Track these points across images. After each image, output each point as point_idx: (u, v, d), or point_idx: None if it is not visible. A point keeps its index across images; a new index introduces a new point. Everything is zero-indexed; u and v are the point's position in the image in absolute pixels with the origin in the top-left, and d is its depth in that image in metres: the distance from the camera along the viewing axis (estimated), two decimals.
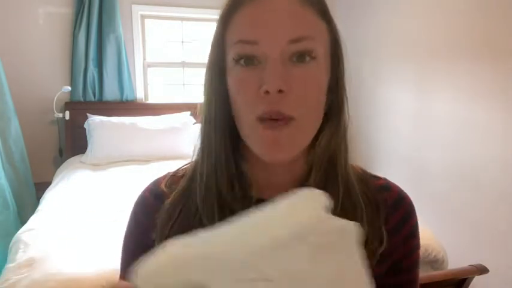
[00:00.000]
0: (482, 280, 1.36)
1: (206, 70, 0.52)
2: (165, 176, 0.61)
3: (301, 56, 0.47)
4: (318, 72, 0.49)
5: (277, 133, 0.47)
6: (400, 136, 2.74)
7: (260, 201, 0.50)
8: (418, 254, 0.60)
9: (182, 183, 0.57)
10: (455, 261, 1.81)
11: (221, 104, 0.51)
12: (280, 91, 0.45)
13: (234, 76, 0.49)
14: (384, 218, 0.54)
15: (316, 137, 0.52)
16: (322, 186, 0.50)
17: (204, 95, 0.53)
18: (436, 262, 1.79)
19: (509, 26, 1.91)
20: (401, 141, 2.74)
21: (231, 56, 0.49)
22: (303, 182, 0.53)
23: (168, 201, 0.56)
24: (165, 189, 0.58)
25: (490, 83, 2.03)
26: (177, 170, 0.61)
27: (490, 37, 2.02)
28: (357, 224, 0.39)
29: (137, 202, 0.61)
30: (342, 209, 0.51)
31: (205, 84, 0.53)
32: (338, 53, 0.53)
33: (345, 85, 0.54)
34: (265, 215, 0.39)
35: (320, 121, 0.52)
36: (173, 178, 0.60)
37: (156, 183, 0.61)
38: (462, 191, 2.21)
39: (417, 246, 0.59)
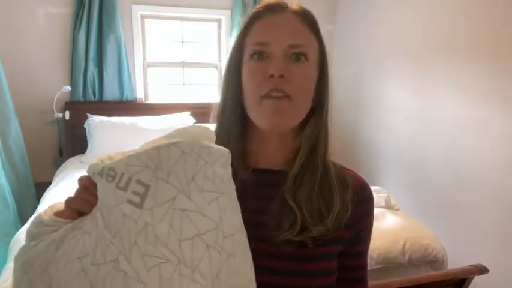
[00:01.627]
0: (482, 280, 1.36)
1: (226, 65, 0.70)
2: None
3: (298, 57, 0.65)
4: (309, 71, 0.67)
5: (278, 104, 0.63)
6: (400, 136, 2.74)
7: (256, 169, 0.70)
8: (367, 245, 0.76)
9: None
10: (455, 261, 1.82)
11: (235, 89, 0.68)
12: (281, 76, 0.62)
13: (248, 67, 0.66)
14: (350, 196, 0.69)
15: (303, 128, 0.69)
16: (306, 163, 0.68)
17: (223, 82, 0.71)
18: (436, 262, 1.79)
19: (510, 26, 1.91)
20: (401, 141, 2.74)
21: (248, 53, 0.67)
22: (289, 159, 0.70)
23: None
24: None
25: (490, 83, 2.03)
26: None
27: (491, 37, 2.02)
28: (227, 150, 0.56)
29: None
30: (321, 184, 0.67)
31: (224, 74, 0.71)
32: (325, 64, 0.70)
33: (328, 89, 0.70)
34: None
35: (308, 108, 0.68)
36: None
37: None
38: (462, 191, 2.21)
39: (368, 236, 0.75)
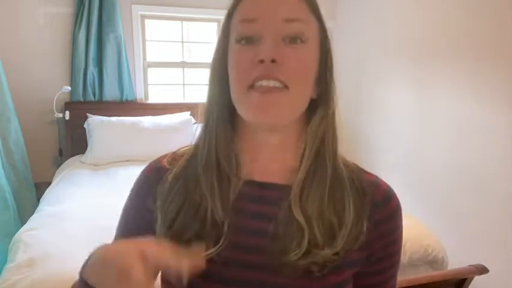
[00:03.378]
0: (482, 280, 1.36)
1: (212, 56, 0.59)
2: (165, 155, 0.65)
3: (293, 39, 0.53)
4: (307, 54, 0.55)
5: (269, 94, 0.52)
6: (401, 136, 2.74)
7: (250, 182, 0.58)
8: (397, 260, 0.62)
9: (184, 158, 0.62)
10: (455, 261, 1.81)
11: (222, 82, 0.57)
12: (273, 60, 0.51)
13: (234, 53, 0.55)
14: (368, 210, 0.57)
15: (306, 125, 0.59)
16: (313, 167, 0.57)
17: (209, 76, 0.60)
18: (436, 262, 1.79)
19: (511, 26, 1.91)
20: (402, 141, 2.74)
21: (233, 36, 0.55)
22: (291, 169, 0.58)
23: (170, 175, 0.60)
24: (166, 165, 0.62)
25: (492, 83, 2.03)
26: (178, 149, 0.66)
27: (492, 37, 2.02)
28: None
29: (139, 177, 0.66)
30: (331, 191, 0.56)
31: (210, 67, 0.60)
32: (327, 47, 0.58)
33: (333, 77, 0.59)
34: None
35: (308, 98, 0.57)
36: (174, 156, 0.64)
37: (157, 161, 0.65)
38: (463, 191, 2.21)
39: (397, 251, 0.62)
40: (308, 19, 0.55)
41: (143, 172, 0.66)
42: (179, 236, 0.55)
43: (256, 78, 0.52)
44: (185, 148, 0.65)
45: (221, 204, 0.56)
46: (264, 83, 0.52)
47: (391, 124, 2.84)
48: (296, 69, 0.53)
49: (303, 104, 0.57)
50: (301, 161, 0.58)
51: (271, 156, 0.59)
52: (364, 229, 0.55)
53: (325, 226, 0.54)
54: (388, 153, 2.86)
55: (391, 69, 2.83)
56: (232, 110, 0.58)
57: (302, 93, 0.55)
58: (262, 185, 0.58)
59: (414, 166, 2.61)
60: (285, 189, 0.57)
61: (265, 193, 0.58)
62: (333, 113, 0.59)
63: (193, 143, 0.63)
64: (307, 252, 0.52)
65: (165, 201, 0.59)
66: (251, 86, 0.53)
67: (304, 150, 0.58)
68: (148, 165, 0.67)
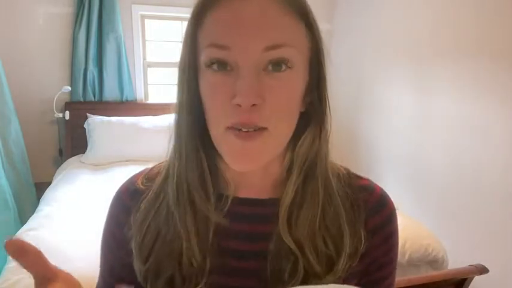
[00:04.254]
0: (482, 280, 1.36)
1: (178, 69, 0.50)
2: (141, 173, 0.60)
3: (277, 65, 0.45)
4: (294, 82, 0.47)
5: (248, 144, 0.45)
6: (401, 136, 2.74)
7: (236, 199, 0.52)
8: (393, 267, 0.59)
9: (157, 181, 0.56)
10: (455, 261, 1.81)
11: (192, 105, 0.49)
12: (253, 105, 0.44)
13: (206, 80, 0.47)
14: (363, 219, 0.54)
15: (294, 139, 0.51)
16: (302, 187, 0.51)
17: (177, 93, 0.51)
18: (436, 262, 1.79)
19: (511, 26, 1.91)
20: (401, 141, 2.74)
21: (203, 58, 0.46)
22: (280, 183, 0.53)
23: (143, 202, 0.55)
24: (141, 186, 0.57)
25: (492, 84, 2.03)
26: (153, 166, 0.60)
27: (492, 37, 2.02)
28: None
29: (114, 202, 0.60)
30: (323, 210, 0.51)
31: (178, 84, 0.50)
32: (319, 57, 0.50)
33: (326, 88, 0.51)
34: None
35: (293, 127, 0.50)
36: (149, 174, 0.59)
37: (132, 182, 0.59)
38: (463, 191, 2.21)
39: (393, 257, 0.58)
40: (294, 36, 0.46)
41: (119, 197, 0.59)
42: (156, 275, 0.51)
43: (234, 123, 0.45)
44: (160, 164, 0.59)
45: (198, 245, 0.50)
46: (244, 129, 0.45)
47: (391, 124, 2.84)
48: (280, 105, 0.46)
49: (286, 139, 0.50)
50: (288, 176, 0.52)
51: (256, 172, 0.52)
52: (363, 240, 0.52)
53: (320, 252, 0.50)
54: (388, 153, 2.86)
55: (390, 69, 2.83)
56: (204, 127, 0.50)
57: (288, 126, 0.49)
58: (248, 202, 0.53)
59: (414, 166, 2.61)
60: (273, 204, 0.52)
61: (252, 210, 0.53)
62: (326, 131, 0.52)
63: (162, 172, 0.56)
64: (305, 281, 0.48)
65: (139, 234, 0.53)
66: (229, 127, 0.46)
67: (291, 164, 0.52)
68: (123, 186, 0.60)
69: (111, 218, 0.59)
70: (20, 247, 0.39)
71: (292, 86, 0.47)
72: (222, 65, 0.45)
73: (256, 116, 0.44)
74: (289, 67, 0.45)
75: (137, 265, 0.53)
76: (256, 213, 0.53)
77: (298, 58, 0.46)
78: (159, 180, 0.55)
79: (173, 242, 0.51)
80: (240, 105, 0.43)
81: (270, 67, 0.45)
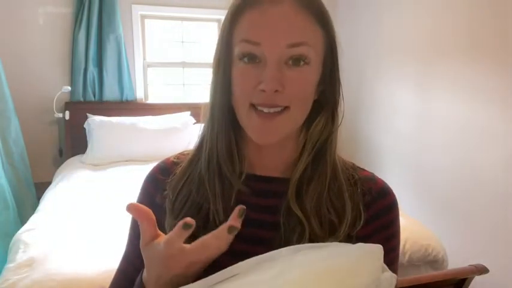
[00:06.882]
0: (482, 280, 1.36)
1: (213, 60, 0.60)
2: (171, 156, 0.70)
3: (297, 60, 0.54)
4: (309, 75, 0.57)
5: (267, 123, 0.55)
6: (401, 136, 2.74)
7: (253, 176, 0.62)
8: (394, 256, 0.63)
9: (189, 157, 0.65)
10: (455, 261, 1.81)
11: (224, 90, 0.58)
12: (275, 91, 0.53)
13: (238, 70, 0.56)
14: (361, 195, 0.60)
15: (308, 124, 0.61)
16: (311, 166, 0.60)
17: (212, 79, 0.61)
18: (436, 262, 1.79)
19: (511, 27, 1.91)
20: (402, 141, 2.74)
21: (236, 51, 0.56)
22: (292, 165, 0.61)
23: (177, 169, 0.65)
24: (174, 160, 0.67)
25: (492, 84, 2.03)
26: (183, 151, 0.70)
27: (492, 37, 2.02)
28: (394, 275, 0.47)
29: (146, 178, 0.69)
30: (329, 188, 0.59)
31: (213, 71, 0.60)
32: (333, 51, 0.60)
33: (339, 79, 0.62)
34: (328, 269, 0.45)
35: (308, 111, 0.59)
36: (181, 153, 0.69)
37: (163, 161, 0.69)
38: (462, 191, 2.21)
39: (395, 245, 0.63)
40: (313, 36, 0.55)
41: (150, 172, 0.69)
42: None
43: (258, 102, 0.55)
44: (189, 150, 0.68)
45: (223, 206, 0.59)
46: (265, 110, 0.55)
47: (391, 124, 2.84)
48: (298, 92, 0.55)
49: (303, 117, 0.59)
50: (300, 156, 0.61)
51: (271, 152, 0.62)
52: (362, 212, 0.59)
53: (324, 221, 0.57)
54: (388, 153, 2.86)
55: (391, 69, 2.83)
56: (233, 113, 0.60)
57: (303, 109, 0.58)
58: (264, 179, 0.62)
59: (414, 166, 2.61)
60: (285, 182, 0.60)
61: (267, 186, 0.62)
62: (338, 119, 0.62)
63: (197, 143, 0.65)
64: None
65: (173, 194, 0.62)
66: (253, 105, 0.56)
67: (304, 146, 0.61)
68: (155, 166, 0.70)
69: (143, 190, 0.68)
70: (138, 208, 0.50)
71: (307, 78, 0.57)
72: (252, 58, 0.55)
73: (277, 99, 0.54)
74: (307, 63, 0.55)
75: (169, 222, 0.60)
76: (270, 189, 0.62)
77: (315, 55, 0.56)
78: (190, 157, 0.65)
79: (201, 204, 0.60)
80: (264, 91, 0.53)
81: (290, 62, 0.54)
